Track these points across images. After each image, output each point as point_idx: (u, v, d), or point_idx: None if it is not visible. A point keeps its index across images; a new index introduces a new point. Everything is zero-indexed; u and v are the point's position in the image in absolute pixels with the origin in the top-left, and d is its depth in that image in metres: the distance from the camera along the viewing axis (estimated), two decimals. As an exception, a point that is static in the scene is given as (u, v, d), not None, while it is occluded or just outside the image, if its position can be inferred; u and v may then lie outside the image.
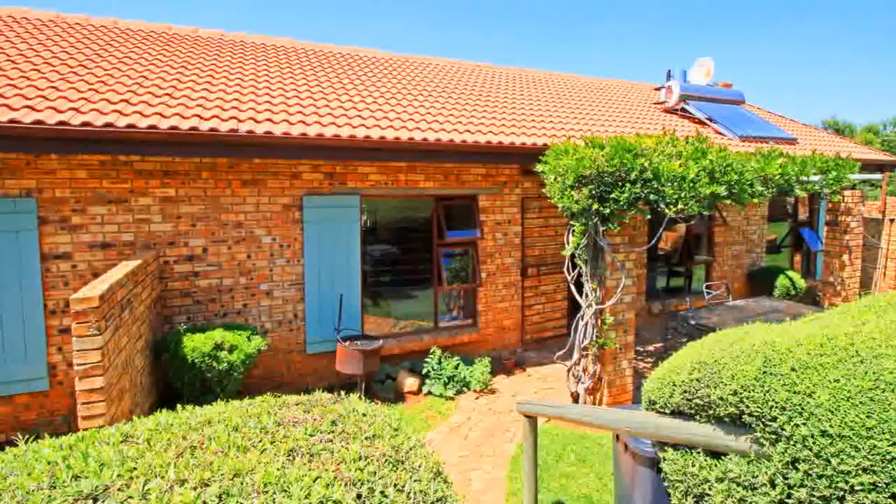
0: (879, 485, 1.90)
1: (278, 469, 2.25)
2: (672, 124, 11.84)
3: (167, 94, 6.88)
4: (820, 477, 2.05)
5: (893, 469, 1.89)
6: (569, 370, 7.45)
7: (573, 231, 7.02)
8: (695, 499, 2.73)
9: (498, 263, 9.32)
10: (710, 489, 2.60)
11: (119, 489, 2.08)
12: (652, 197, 6.57)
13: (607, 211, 6.48)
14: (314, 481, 2.20)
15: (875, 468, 1.92)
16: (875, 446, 1.93)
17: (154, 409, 4.51)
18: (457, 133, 8.02)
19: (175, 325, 6.82)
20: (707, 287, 10.61)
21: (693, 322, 8.42)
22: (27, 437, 2.70)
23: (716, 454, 2.63)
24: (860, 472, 1.95)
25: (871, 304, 2.97)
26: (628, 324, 7.39)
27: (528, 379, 8.54)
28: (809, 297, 12.83)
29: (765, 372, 2.37)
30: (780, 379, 2.30)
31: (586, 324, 7.14)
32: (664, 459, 2.98)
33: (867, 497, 1.92)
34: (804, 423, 2.14)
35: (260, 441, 2.52)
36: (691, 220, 11.17)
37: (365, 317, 8.34)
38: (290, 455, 2.41)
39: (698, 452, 2.72)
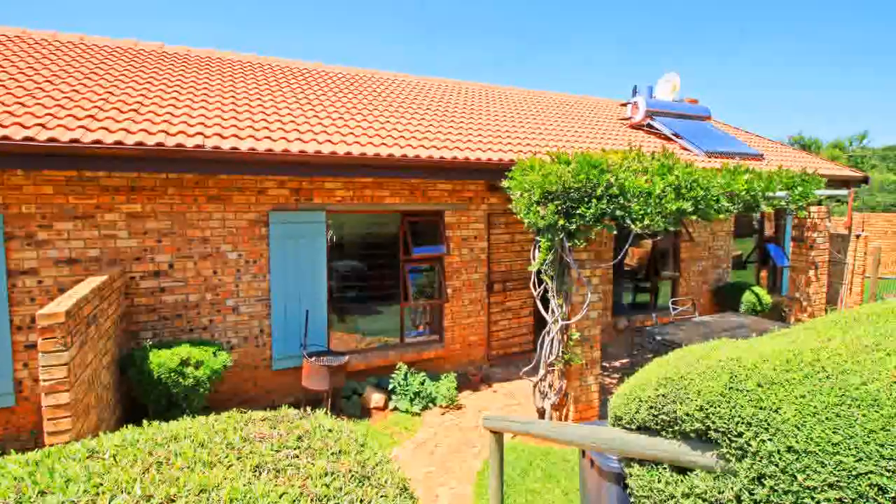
0: (846, 501, 1.95)
1: (244, 485, 2.34)
2: (638, 140, 12.33)
3: (133, 110, 7.18)
4: (786, 493, 2.11)
5: (860, 485, 1.92)
6: (535, 386, 7.67)
7: (539, 247, 7.22)
8: (661, 515, 2.79)
9: (464, 279, 9.66)
10: (676, 505, 2.65)
11: (85, 504, 2.17)
12: (618, 213, 6.77)
13: (573, 227, 6.70)
14: (280, 497, 2.30)
15: (841, 484, 1.96)
16: (841, 462, 1.97)
17: (120, 425, 4.65)
18: (423, 149, 8.36)
19: (141, 341, 7.11)
20: (673, 303, 10.98)
21: (659, 338, 8.65)
22: (-7, 452, 2.86)
23: (682, 470, 2.68)
24: (826, 487, 2.00)
25: (837, 320, 2.97)
26: (594, 339, 7.59)
27: (495, 395, 8.84)
28: (775, 312, 13.22)
29: (731, 388, 2.42)
30: (746, 395, 2.35)
31: (552, 339, 7.35)
32: (630, 475, 3.04)
33: (834, 513, 1.96)
34: (770, 439, 2.19)
35: (226, 457, 2.61)
36: (657, 235, 11.56)
37: (331, 332, 8.66)
38: (256, 471, 2.49)
39: (664, 468, 2.78)
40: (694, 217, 7.53)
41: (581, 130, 12.15)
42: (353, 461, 2.74)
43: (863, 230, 15.73)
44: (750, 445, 2.25)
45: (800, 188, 9.49)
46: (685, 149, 12.51)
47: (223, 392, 7.65)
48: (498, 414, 7.78)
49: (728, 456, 2.37)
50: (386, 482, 2.68)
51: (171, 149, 6.46)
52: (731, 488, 2.34)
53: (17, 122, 6.07)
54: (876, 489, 1.89)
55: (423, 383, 8.29)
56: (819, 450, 2.03)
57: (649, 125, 13.81)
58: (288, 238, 7.99)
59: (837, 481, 1.97)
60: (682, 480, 2.64)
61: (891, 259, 21.64)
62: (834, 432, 2.02)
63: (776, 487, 2.14)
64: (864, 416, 2.00)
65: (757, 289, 12.86)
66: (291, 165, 7.34)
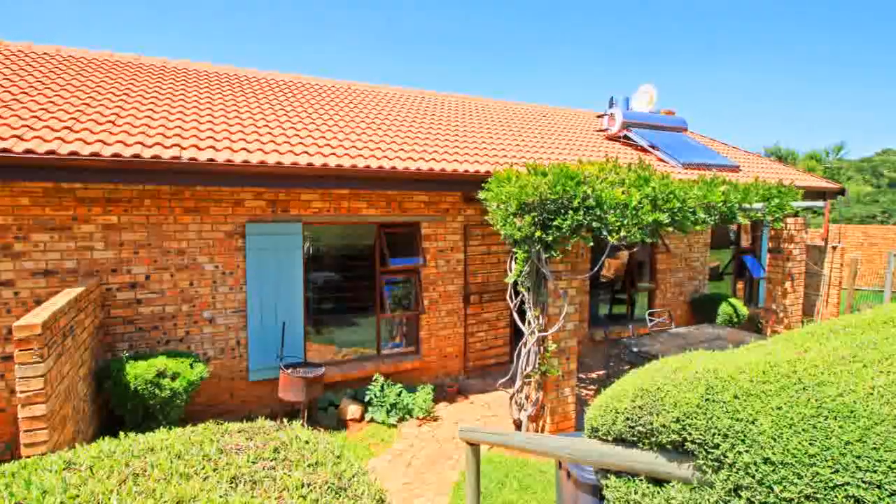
0: (822, 512, 1.98)
1: (221, 496, 2.39)
2: (615, 151, 12.62)
3: (109, 122, 7.36)
4: (763, 504, 2.13)
5: (836, 497, 1.95)
6: (511, 397, 7.84)
7: (516, 258, 7.38)
8: (637, 526, 2.85)
9: (440, 291, 9.90)
10: (652, 516, 2.71)
11: (62, 516, 2.24)
12: (594, 224, 6.89)
13: (550, 238, 6.84)
14: (257, 508, 2.35)
15: (818, 495, 1.99)
16: (818, 473, 2.00)
17: (97, 437, 4.73)
18: (399, 160, 8.59)
19: (118, 353, 7.27)
20: (650, 314, 11.20)
21: (635, 349, 8.83)
22: (-31, 464, 2.92)
23: (658, 481, 2.73)
24: (803, 499, 2.02)
25: (814, 332, 3.01)
26: (571, 351, 7.77)
27: (471, 406, 9.05)
28: (752, 324, 13.51)
29: (707, 399, 2.45)
30: (722, 406, 2.38)
31: (529, 351, 7.51)
32: (606, 487, 3.08)
33: (810, 524, 2.01)
34: (747, 451, 2.22)
35: (202, 468, 2.65)
36: (634, 247, 11.76)
37: (308, 344, 8.87)
38: (232, 482, 2.54)
39: (641, 480, 2.82)
40: (670, 229, 7.67)
41: (557, 142, 12.46)
42: (329, 473, 2.78)
43: (839, 242, 16.02)
44: (726, 457, 2.30)
45: (776, 200, 9.67)
46: (662, 160, 12.77)
47: (200, 403, 7.82)
48: (474, 425, 7.89)
49: (704, 467, 2.42)
50: (363, 494, 2.73)
51: (147, 160, 6.63)
52: (708, 500, 2.39)
53: (-7, 134, 6.20)
54: (853, 501, 1.93)
55: (399, 395, 8.47)
56: (796, 461, 2.07)
57: (626, 136, 14.11)
58: (265, 249, 8.18)
59: (814, 493, 2.01)
60: (658, 492, 2.70)
61: (867, 271, 22.13)
62: (810, 444, 2.06)
63: (753, 499, 2.18)
64: (840, 427, 2.03)
65: (733, 300, 13.11)
66: (268, 177, 7.52)
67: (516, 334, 8.72)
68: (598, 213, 6.86)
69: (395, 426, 8.15)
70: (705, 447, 2.40)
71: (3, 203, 6.68)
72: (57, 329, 5.37)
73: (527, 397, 7.70)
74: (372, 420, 8.26)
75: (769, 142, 65.05)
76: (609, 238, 6.95)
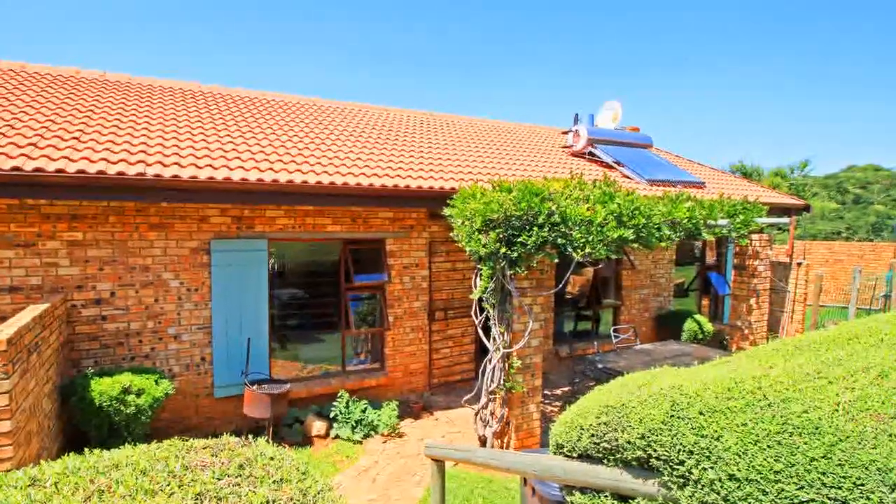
0: (788, 529, 2.04)
1: None
2: (580, 168, 13.06)
3: (75, 138, 7.62)
4: (728, 520, 2.19)
5: None
6: (476, 414, 8.07)
7: (481, 275, 7.55)
8: (603, 543, 2.93)
9: (406, 307, 10.23)
10: (618, 533, 2.79)
11: (27, 532, 2.36)
12: (560, 241, 7.05)
13: (515, 255, 6.98)
14: (222, 524, 2.48)
15: None
16: (783, 490, 2.05)
17: (62, 453, 4.86)
18: (364, 177, 8.92)
19: (83, 369, 7.46)
20: (615, 331, 11.59)
21: (601, 366, 9.12)
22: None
23: (623, 498, 2.80)
24: None
25: (779, 348, 3.11)
26: (535, 367, 7.97)
27: (436, 422, 9.36)
28: (717, 340, 14.05)
29: (672, 416, 2.52)
30: (687, 423, 2.44)
31: (494, 367, 7.72)
32: (572, 503, 3.16)
33: (775, 541, 2.08)
34: (712, 467, 2.27)
35: (168, 485, 2.73)
36: (599, 263, 12.10)
37: (273, 360, 9.13)
38: (197, 499, 2.62)
39: (606, 496, 2.91)
40: (635, 245, 7.85)
41: (522, 158, 12.88)
42: (294, 489, 2.88)
43: (804, 258, 16.49)
44: (692, 473, 2.37)
45: (741, 216, 9.94)
46: (627, 177, 13.17)
47: (165, 420, 8.05)
48: (439, 442, 8.04)
49: (670, 484, 2.50)
50: (328, 510, 2.85)
51: (112, 177, 6.83)
52: (673, 516, 2.49)
53: (-42, 151, 6.41)
54: (818, 517, 2.00)
55: (364, 411, 8.75)
56: (761, 478, 2.12)
57: (591, 153, 14.54)
58: (230, 266, 8.44)
59: (779, 509, 2.06)
60: None
61: (832, 287, 22.79)
62: (776, 460, 2.11)
63: (718, 515, 2.27)
64: (805, 444, 2.09)
65: (699, 317, 13.58)
66: (233, 193, 7.80)
67: (481, 351, 8.91)
68: (563, 229, 7.04)
69: (360, 442, 8.39)
70: (670, 463, 2.49)
71: (-33, 220, 6.90)
72: (22, 345, 5.50)
73: (492, 414, 7.92)
74: (337, 436, 8.50)
75: (734, 158, 66.22)
76: (574, 254, 7.13)
